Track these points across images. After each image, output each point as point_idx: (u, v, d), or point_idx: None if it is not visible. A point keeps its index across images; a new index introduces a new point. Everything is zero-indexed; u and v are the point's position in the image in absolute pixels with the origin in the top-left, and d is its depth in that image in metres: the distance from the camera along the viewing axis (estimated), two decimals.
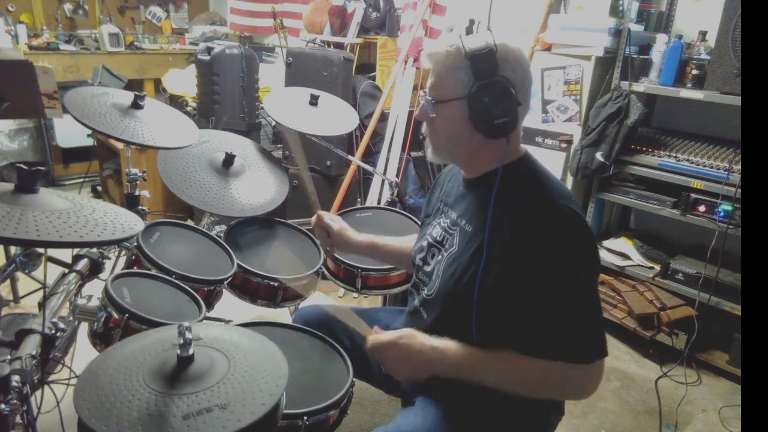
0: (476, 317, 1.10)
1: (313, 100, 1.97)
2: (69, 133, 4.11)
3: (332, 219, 1.58)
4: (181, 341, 0.93)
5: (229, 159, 1.78)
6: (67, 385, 1.31)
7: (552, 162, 2.72)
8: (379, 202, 3.06)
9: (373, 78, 3.38)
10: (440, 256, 1.22)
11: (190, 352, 0.94)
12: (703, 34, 2.43)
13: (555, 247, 1.04)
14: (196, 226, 1.74)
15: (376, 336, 1.18)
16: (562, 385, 1.09)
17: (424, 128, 1.21)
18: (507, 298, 1.07)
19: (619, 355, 2.62)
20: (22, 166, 0.98)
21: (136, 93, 1.63)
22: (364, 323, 1.25)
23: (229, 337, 1.06)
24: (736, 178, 2.23)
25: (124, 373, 0.94)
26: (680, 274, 2.50)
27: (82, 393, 0.89)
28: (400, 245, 1.53)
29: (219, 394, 0.90)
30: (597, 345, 1.06)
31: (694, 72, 2.38)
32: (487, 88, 1.06)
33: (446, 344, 1.12)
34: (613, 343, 2.69)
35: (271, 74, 4.16)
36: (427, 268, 1.26)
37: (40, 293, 1.94)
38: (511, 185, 1.11)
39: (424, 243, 1.30)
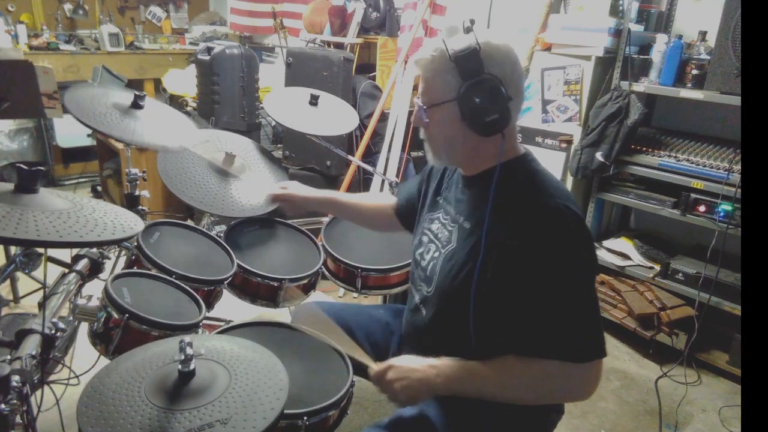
0: (473, 313, 1.11)
1: (313, 100, 1.97)
2: (69, 133, 4.11)
3: (284, 186, 1.68)
4: (182, 357, 0.93)
5: (229, 159, 1.78)
6: (67, 385, 1.31)
7: (552, 162, 2.72)
8: None
9: (373, 78, 3.38)
10: (438, 253, 1.23)
11: (191, 367, 0.94)
12: (703, 34, 2.44)
13: (551, 244, 1.04)
14: (196, 226, 1.74)
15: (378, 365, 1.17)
16: (560, 387, 1.08)
17: (421, 134, 1.21)
18: (503, 295, 1.08)
19: (619, 355, 2.62)
20: (22, 166, 0.98)
21: (136, 93, 1.63)
22: (366, 355, 1.23)
23: (229, 348, 1.06)
24: (736, 178, 2.23)
25: (126, 387, 0.94)
26: (680, 274, 2.50)
27: (85, 409, 0.90)
28: (359, 202, 1.62)
29: (220, 409, 0.90)
30: (594, 344, 1.06)
31: (694, 72, 2.38)
32: (475, 87, 1.07)
33: (443, 361, 1.12)
34: (613, 343, 2.69)
35: (271, 74, 4.16)
36: (425, 264, 1.26)
37: (40, 293, 1.94)
38: (509, 183, 1.12)
39: (424, 238, 1.30)
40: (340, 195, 1.62)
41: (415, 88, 3.16)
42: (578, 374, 1.06)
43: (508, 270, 1.07)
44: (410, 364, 1.12)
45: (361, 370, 1.40)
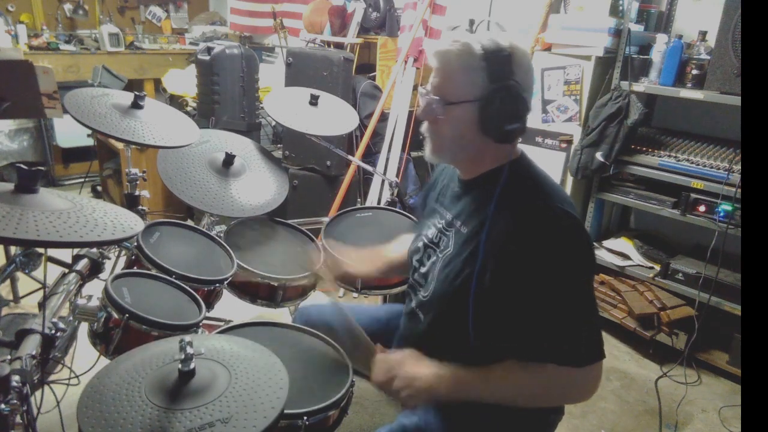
0: (472, 319, 1.10)
1: (313, 100, 1.97)
2: (69, 133, 4.11)
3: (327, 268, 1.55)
4: (183, 356, 0.93)
5: (229, 159, 1.78)
6: (67, 385, 1.31)
7: (552, 162, 2.72)
8: (379, 202, 3.06)
9: (373, 78, 3.38)
10: (435, 257, 1.22)
11: (192, 366, 0.93)
12: (703, 34, 2.44)
13: (550, 249, 1.03)
14: (196, 226, 1.74)
15: (380, 359, 1.18)
16: (560, 391, 1.08)
17: (424, 127, 1.17)
18: (502, 300, 1.07)
19: (619, 355, 2.62)
20: (22, 166, 0.98)
21: (136, 93, 1.63)
22: (370, 343, 1.25)
23: (229, 348, 1.06)
24: (736, 178, 2.23)
25: (126, 387, 0.94)
26: (680, 274, 2.50)
27: (85, 409, 0.90)
28: (390, 259, 1.52)
29: (221, 408, 0.90)
30: (592, 348, 1.05)
31: (694, 72, 2.38)
32: (502, 93, 1.04)
33: (446, 369, 1.12)
34: (613, 343, 2.69)
35: (271, 74, 4.16)
36: (423, 270, 1.26)
37: (40, 293, 1.93)
38: (509, 187, 1.10)
39: (420, 244, 1.30)
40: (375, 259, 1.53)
41: (415, 88, 3.16)
42: (578, 378, 1.06)
43: (506, 275, 1.05)
44: (415, 371, 1.13)
45: (360, 373, 1.41)
